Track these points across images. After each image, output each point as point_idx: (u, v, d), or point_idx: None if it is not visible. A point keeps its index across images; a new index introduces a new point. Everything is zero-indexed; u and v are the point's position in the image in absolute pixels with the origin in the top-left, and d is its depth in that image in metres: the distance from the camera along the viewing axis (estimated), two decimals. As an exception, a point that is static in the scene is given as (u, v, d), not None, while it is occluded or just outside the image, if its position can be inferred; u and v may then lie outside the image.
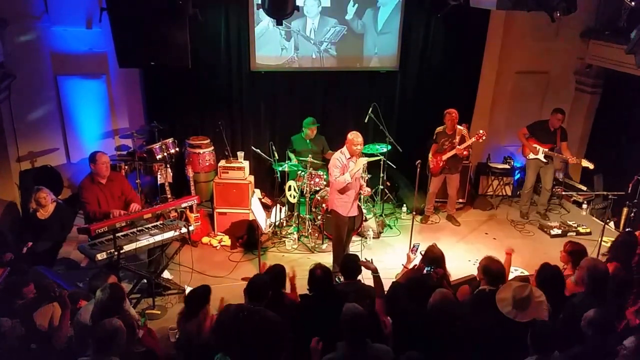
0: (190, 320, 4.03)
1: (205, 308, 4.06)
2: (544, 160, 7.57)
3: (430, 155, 7.42)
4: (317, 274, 4.13)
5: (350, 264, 4.46)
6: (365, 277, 4.49)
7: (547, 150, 7.50)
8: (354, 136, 5.84)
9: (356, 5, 7.60)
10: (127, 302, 4.57)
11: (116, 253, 5.05)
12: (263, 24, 7.48)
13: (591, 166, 7.19)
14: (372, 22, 7.75)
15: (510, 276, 5.16)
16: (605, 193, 7.52)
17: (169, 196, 6.94)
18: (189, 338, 4.02)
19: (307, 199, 7.06)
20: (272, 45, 7.63)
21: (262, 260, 5.96)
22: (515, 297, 3.70)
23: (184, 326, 4.07)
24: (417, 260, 4.91)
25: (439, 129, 7.36)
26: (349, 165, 5.82)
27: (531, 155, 7.63)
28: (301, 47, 7.71)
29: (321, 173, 7.15)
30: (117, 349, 3.43)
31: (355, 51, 7.88)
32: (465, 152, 7.28)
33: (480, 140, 7.24)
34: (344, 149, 5.91)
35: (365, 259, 4.62)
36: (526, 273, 5.78)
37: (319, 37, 7.69)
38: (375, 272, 4.34)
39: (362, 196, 6.61)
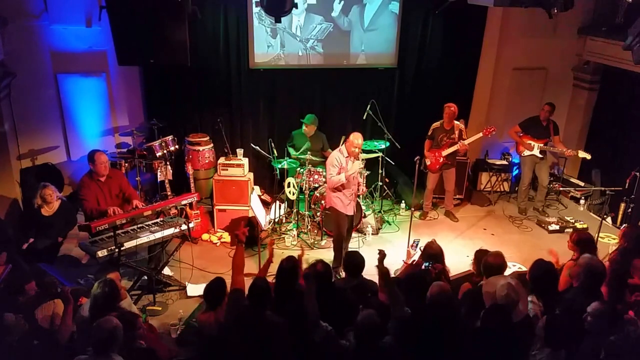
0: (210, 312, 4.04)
1: (224, 301, 4.02)
2: (540, 155, 7.61)
3: (425, 151, 7.43)
4: (318, 269, 4.17)
5: (353, 261, 4.49)
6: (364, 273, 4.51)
7: (542, 145, 7.54)
8: (354, 137, 5.85)
9: (342, 2, 7.60)
10: (128, 299, 4.62)
11: (117, 250, 5.08)
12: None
13: (588, 157, 7.26)
14: (358, 19, 7.75)
15: (508, 271, 5.18)
16: (602, 189, 7.56)
17: (168, 193, 6.98)
18: (204, 329, 4.03)
19: (307, 196, 7.10)
20: (258, 42, 7.64)
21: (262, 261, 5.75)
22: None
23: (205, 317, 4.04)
24: (417, 256, 4.95)
25: (436, 124, 7.38)
26: (347, 164, 5.85)
27: (526, 152, 7.67)
28: (287, 45, 7.71)
29: (320, 170, 7.18)
30: (116, 347, 3.47)
31: (341, 48, 7.89)
32: (466, 147, 7.29)
33: (489, 135, 7.25)
34: (343, 147, 5.94)
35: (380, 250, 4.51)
36: (524, 269, 5.82)
37: (305, 34, 7.69)
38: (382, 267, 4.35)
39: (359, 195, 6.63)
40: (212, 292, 4.04)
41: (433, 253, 4.73)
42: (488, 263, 4.28)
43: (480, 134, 7.21)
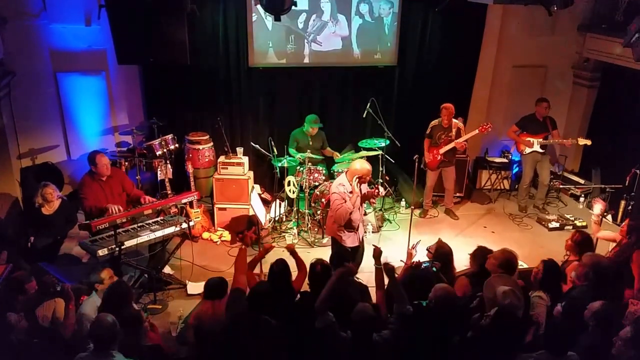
0: (205, 302, 4.17)
1: (220, 300, 4.13)
2: (541, 150, 7.60)
3: (424, 150, 7.43)
4: (317, 269, 4.16)
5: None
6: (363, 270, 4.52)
7: (541, 140, 7.54)
8: (366, 165, 5.30)
9: (342, 0, 7.62)
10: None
11: (117, 249, 5.09)
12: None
13: (589, 142, 7.28)
14: (358, 18, 7.75)
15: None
16: (603, 186, 7.56)
17: (169, 192, 6.98)
18: (201, 318, 4.08)
19: (307, 194, 7.10)
20: (257, 41, 7.61)
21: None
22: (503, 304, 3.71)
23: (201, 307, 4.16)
24: (417, 257, 4.96)
25: (434, 122, 7.38)
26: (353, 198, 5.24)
27: (527, 150, 7.66)
28: (287, 43, 7.70)
29: (320, 168, 7.18)
30: (116, 343, 3.48)
31: (341, 46, 7.87)
32: (464, 145, 7.29)
33: (485, 133, 7.24)
34: (344, 181, 5.30)
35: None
36: (525, 266, 5.81)
37: (305, 32, 7.68)
38: (378, 264, 4.36)
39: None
40: (212, 287, 4.18)
41: (445, 253, 4.76)
42: (510, 262, 4.25)
43: (477, 131, 7.20)
